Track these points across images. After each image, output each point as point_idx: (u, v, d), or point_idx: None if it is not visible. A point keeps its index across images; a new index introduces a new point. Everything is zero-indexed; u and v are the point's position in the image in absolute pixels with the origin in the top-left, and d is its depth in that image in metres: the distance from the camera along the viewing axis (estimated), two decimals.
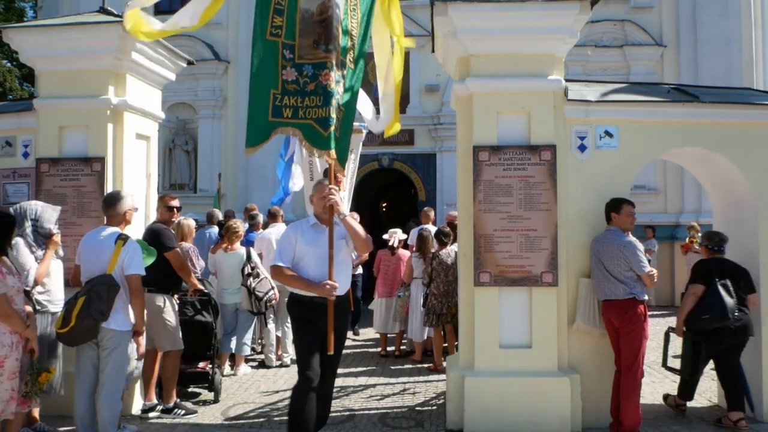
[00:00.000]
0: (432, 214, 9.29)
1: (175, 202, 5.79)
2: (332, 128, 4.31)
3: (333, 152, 4.30)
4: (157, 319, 5.36)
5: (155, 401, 5.54)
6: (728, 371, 5.30)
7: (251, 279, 6.83)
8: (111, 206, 4.65)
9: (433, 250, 7.47)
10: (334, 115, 4.34)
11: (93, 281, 4.37)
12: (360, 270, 9.01)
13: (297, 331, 4.45)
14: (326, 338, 4.27)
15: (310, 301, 4.31)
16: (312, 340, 4.29)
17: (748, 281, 5.28)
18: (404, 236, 8.71)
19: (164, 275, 5.41)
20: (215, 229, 8.91)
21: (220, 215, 9.65)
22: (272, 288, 6.91)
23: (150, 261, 4.91)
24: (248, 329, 7.19)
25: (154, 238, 5.38)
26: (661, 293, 12.62)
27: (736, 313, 5.08)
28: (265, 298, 6.83)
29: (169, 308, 5.49)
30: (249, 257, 6.96)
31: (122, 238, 4.49)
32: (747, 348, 5.35)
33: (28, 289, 4.51)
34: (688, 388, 5.62)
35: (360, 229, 4.36)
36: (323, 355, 4.30)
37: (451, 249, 7.22)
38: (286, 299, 7.69)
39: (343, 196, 7.58)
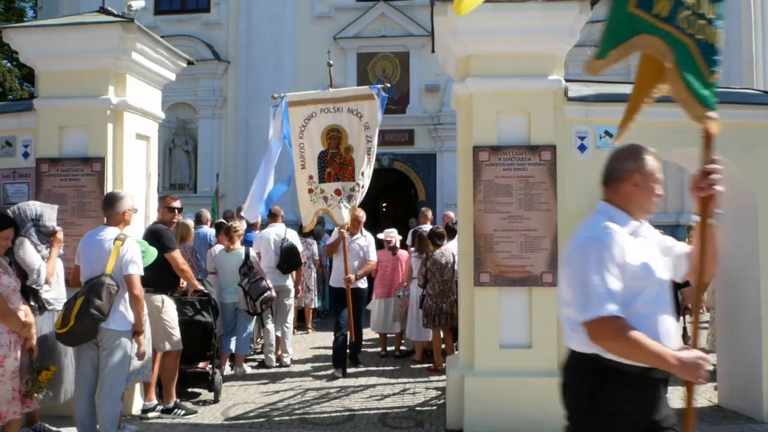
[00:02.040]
0: (429, 214, 9.27)
1: (177, 203, 5.79)
2: (719, 72, 2.55)
3: (715, 117, 2.52)
4: (156, 319, 5.35)
5: (155, 401, 5.54)
6: None
7: (246, 279, 6.79)
8: (110, 206, 4.65)
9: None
10: (721, 46, 2.54)
11: (92, 281, 4.36)
12: (364, 284, 7.67)
13: None
14: None
15: (653, 383, 2.32)
16: None
17: None
18: (400, 237, 8.65)
19: (163, 275, 5.40)
20: (205, 229, 8.84)
21: (208, 215, 9.61)
22: (269, 289, 6.86)
23: (150, 261, 4.90)
24: (248, 329, 7.17)
25: (154, 238, 5.38)
26: None
27: None
28: (260, 299, 6.75)
29: (168, 308, 5.49)
30: (247, 257, 6.95)
31: (120, 238, 4.48)
32: (748, 348, 5.38)
33: (38, 288, 4.53)
34: None
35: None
36: None
37: (445, 248, 7.22)
38: (285, 300, 7.81)
39: (356, 187, 6.61)
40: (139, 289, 4.50)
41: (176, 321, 5.56)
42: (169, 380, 5.52)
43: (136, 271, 4.49)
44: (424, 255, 7.42)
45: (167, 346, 5.47)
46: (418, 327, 7.63)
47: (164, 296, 5.49)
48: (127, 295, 4.47)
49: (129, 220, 4.72)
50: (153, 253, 5.02)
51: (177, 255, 5.55)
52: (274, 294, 6.96)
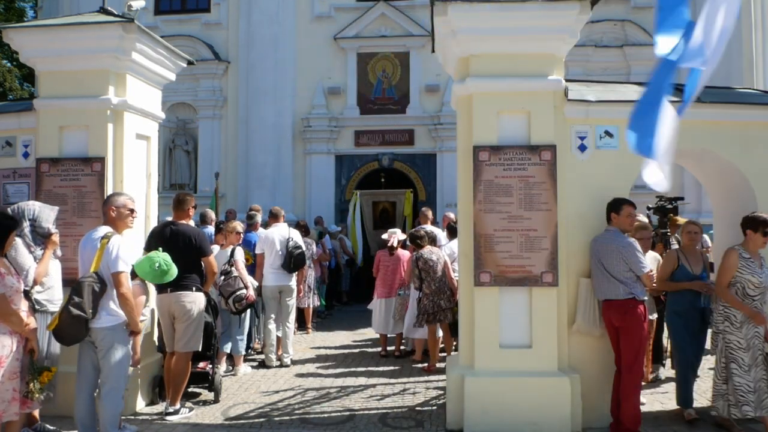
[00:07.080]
0: (430, 214, 9.26)
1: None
2: None
3: None
4: (197, 319, 5.53)
5: (168, 402, 5.51)
6: None
7: (221, 277, 6.53)
8: (103, 204, 4.73)
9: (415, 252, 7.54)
10: None
11: (77, 280, 4.37)
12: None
13: None
14: None
15: None
16: None
17: None
18: (403, 236, 8.68)
19: (202, 277, 5.67)
20: (210, 228, 8.82)
21: (213, 215, 9.59)
22: (243, 287, 6.57)
23: (170, 279, 5.04)
24: (240, 328, 7.08)
25: (203, 241, 5.65)
26: None
27: None
28: (231, 298, 6.52)
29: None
30: (232, 254, 6.74)
31: (107, 236, 4.43)
32: None
33: (27, 288, 4.52)
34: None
35: None
36: None
37: (434, 247, 7.44)
38: (288, 300, 7.78)
39: None
40: (126, 288, 4.34)
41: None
42: (182, 382, 5.49)
43: (124, 268, 4.36)
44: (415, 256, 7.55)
45: (197, 345, 5.58)
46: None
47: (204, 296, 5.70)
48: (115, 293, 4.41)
49: (116, 219, 4.59)
50: (173, 273, 5.07)
51: (213, 260, 5.76)
52: (251, 293, 6.67)
